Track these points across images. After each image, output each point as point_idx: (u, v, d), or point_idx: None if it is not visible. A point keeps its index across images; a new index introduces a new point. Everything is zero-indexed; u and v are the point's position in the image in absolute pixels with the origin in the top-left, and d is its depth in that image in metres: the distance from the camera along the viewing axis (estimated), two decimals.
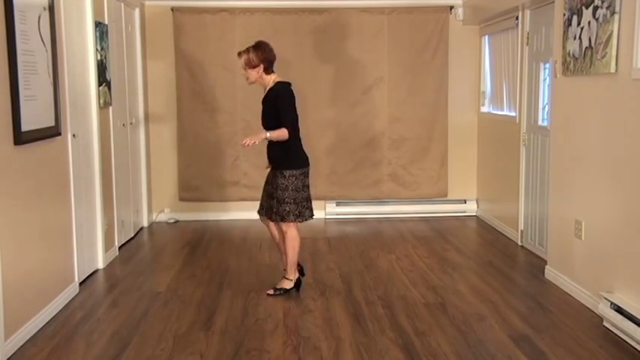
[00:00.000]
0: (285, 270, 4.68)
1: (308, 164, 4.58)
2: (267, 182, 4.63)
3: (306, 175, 4.54)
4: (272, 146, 4.51)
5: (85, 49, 5.04)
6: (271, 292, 4.63)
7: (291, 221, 4.50)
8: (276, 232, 4.69)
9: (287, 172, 4.45)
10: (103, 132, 5.38)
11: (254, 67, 4.46)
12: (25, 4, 3.80)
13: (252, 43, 4.55)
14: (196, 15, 6.92)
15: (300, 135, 4.58)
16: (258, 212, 4.72)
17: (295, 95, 4.55)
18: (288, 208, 4.46)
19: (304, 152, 4.58)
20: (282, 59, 6.94)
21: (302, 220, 4.54)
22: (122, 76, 6.07)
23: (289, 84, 4.55)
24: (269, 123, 4.47)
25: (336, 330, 3.91)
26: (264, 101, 4.54)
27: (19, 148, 3.72)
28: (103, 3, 5.44)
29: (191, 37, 6.93)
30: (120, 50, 6.00)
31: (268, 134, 4.39)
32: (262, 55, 4.46)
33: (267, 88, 4.54)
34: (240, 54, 4.51)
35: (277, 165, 4.50)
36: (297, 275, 4.67)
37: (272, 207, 4.51)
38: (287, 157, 4.48)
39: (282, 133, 4.38)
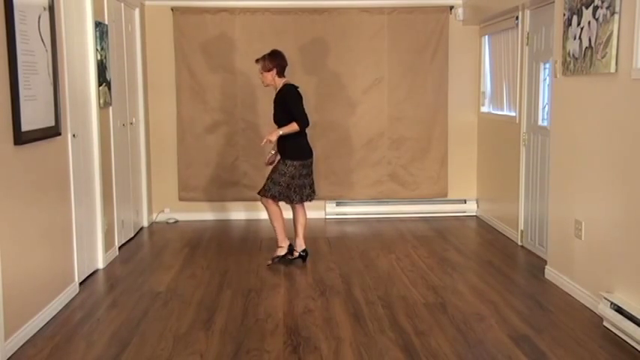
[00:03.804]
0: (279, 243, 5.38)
1: (309, 157, 5.27)
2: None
3: (305, 166, 5.23)
4: (281, 138, 5.17)
5: (85, 49, 5.04)
6: (270, 262, 5.30)
7: (278, 200, 5.24)
8: (297, 212, 5.36)
9: (288, 162, 5.19)
10: (103, 132, 5.38)
11: (269, 70, 5.20)
12: (25, 4, 3.80)
13: (268, 51, 5.31)
14: (196, 15, 6.92)
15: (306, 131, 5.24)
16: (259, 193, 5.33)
17: (302, 95, 5.24)
18: (278, 189, 5.19)
19: (308, 146, 5.27)
20: None
21: (289, 202, 5.27)
22: (122, 76, 6.07)
23: (297, 86, 5.23)
24: (280, 119, 5.19)
25: (336, 330, 3.91)
26: (275, 100, 5.27)
27: (19, 148, 3.72)
28: (103, 3, 5.44)
29: (191, 37, 6.93)
30: (120, 50, 6.00)
31: (281, 131, 5.10)
32: (275, 60, 5.21)
33: (278, 90, 5.23)
34: (257, 60, 5.26)
35: (283, 154, 5.23)
36: (288, 242, 5.34)
37: (264, 185, 5.25)
38: (290, 149, 5.19)
39: (292, 127, 5.09)
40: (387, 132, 7.16)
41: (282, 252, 5.33)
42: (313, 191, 5.37)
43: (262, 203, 5.33)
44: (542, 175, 5.37)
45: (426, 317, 4.10)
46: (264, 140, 5.15)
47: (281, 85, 5.20)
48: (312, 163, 5.31)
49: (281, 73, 5.22)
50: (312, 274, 5.08)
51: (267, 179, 5.27)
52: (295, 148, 5.18)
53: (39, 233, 4.06)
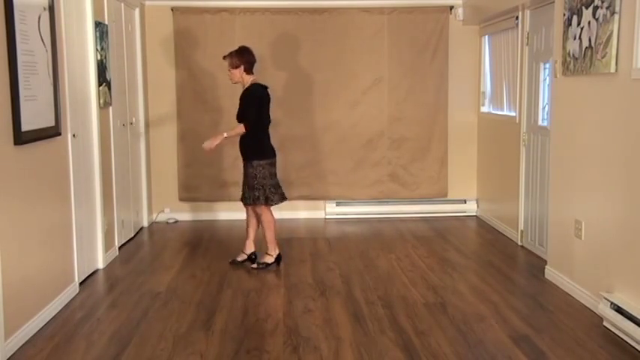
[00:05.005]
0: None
1: (274, 156, 5.20)
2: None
3: (272, 165, 5.17)
4: (242, 140, 5.14)
5: (85, 49, 5.04)
6: (255, 265, 5.25)
7: (262, 204, 5.13)
8: (249, 217, 5.36)
9: (255, 163, 5.10)
10: (103, 132, 5.38)
11: (236, 67, 5.11)
12: (25, 4, 3.80)
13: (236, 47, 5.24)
14: (196, 15, 6.92)
15: (270, 130, 5.26)
16: (241, 200, 5.34)
17: (271, 96, 5.21)
18: (257, 194, 5.11)
19: (270, 145, 5.21)
20: (282, 59, 7.02)
21: (271, 204, 5.17)
22: (122, 76, 6.07)
23: (263, 87, 5.16)
24: (242, 117, 5.11)
25: (336, 330, 3.91)
26: (240, 98, 5.18)
27: (19, 148, 3.72)
28: (103, 3, 5.44)
29: (191, 37, 6.93)
30: (120, 50, 6.00)
31: (226, 134, 5.10)
32: (243, 57, 5.12)
33: (245, 87, 5.16)
34: (225, 57, 5.17)
35: (246, 156, 5.15)
36: (277, 251, 5.27)
37: (244, 193, 5.20)
38: (254, 150, 5.12)
39: (239, 130, 5.06)
40: (387, 132, 7.16)
41: (270, 260, 5.24)
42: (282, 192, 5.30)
43: (255, 212, 5.24)
44: (542, 175, 5.37)
45: (426, 317, 4.10)
46: (206, 145, 5.08)
47: (249, 84, 5.12)
48: (275, 162, 5.22)
49: (249, 70, 5.13)
50: (312, 274, 5.08)
51: (244, 186, 5.19)
52: (259, 148, 5.10)
53: (39, 233, 4.06)
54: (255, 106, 5.05)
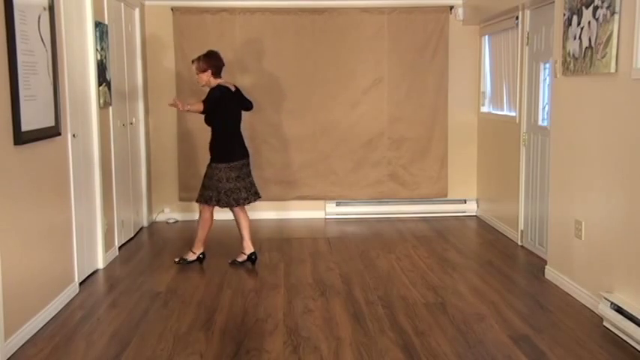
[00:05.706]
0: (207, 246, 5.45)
1: (239, 159, 5.22)
2: None
3: (232, 169, 5.18)
4: (210, 141, 5.27)
5: (85, 49, 5.04)
6: (176, 259, 5.42)
7: (213, 205, 5.22)
8: (238, 216, 5.34)
9: (213, 165, 5.19)
10: (103, 132, 5.38)
11: (203, 71, 5.18)
12: (25, 4, 3.80)
13: (204, 51, 5.30)
14: (196, 15, 6.92)
15: (245, 132, 5.41)
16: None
17: (254, 101, 5.46)
18: (210, 194, 5.18)
19: (236, 148, 5.24)
20: (282, 59, 7.02)
21: (223, 206, 5.24)
22: (122, 76, 6.07)
23: (227, 88, 5.20)
24: (206, 118, 5.23)
25: (336, 330, 3.91)
26: None
27: (19, 148, 3.72)
28: (103, 3, 5.44)
29: (191, 37, 6.93)
30: (120, 50, 6.00)
31: (189, 106, 5.15)
32: (211, 61, 5.20)
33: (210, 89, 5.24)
34: (193, 61, 5.26)
35: (210, 156, 5.25)
36: (202, 250, 5.40)
37: (199, 189, 5.28)
38: (215, 152, 5.22)
39: (197, 107, 5.11)
40: (387, 132, 7.16)
41: (191, 258, 5.38)
42: (254, 193, 5.35)
43: (199, 209, 5.35)
44: (542, 175, 5.37)
45: (426, 317, 4.10)
46: (175, 99, 5.20)
47: (214, 85, 5.18)
48: (245, 165, 5.27)
49: (217, 74, 5.20)
50: (312, 274, 5.08)
51: (201, 184, 5.28)
52: (220, 150, 5.18)
53: (39, 233, 4.06)
54: (211, 99, 5.09)
